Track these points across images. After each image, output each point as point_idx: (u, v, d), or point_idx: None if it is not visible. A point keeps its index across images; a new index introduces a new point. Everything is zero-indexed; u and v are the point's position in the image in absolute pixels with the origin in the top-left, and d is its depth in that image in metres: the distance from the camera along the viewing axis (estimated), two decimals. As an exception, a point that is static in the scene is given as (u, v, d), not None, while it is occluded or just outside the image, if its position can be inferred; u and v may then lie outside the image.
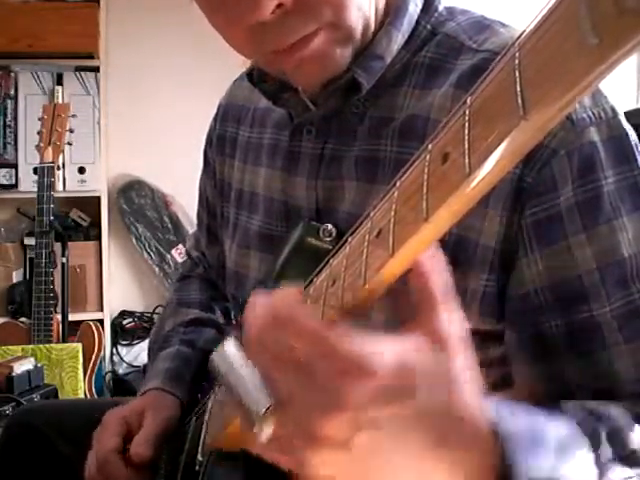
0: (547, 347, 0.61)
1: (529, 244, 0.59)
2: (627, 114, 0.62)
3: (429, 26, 0.69)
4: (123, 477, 0.76)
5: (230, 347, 0.44)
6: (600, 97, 0.60)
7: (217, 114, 0.92)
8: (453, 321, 0.38)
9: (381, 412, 0.36)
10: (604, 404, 0.54)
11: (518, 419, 0.42)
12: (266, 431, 0.38)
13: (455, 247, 0.61)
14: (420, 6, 0.69)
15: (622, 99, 2.42)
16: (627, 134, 0.60)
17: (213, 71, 2.37)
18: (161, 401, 0.83)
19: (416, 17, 0.68)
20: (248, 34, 0.60)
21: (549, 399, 0.63)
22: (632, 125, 0.61)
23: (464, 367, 0.39)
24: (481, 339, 0.64)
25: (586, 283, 0.58)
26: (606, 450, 0.49)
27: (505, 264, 0.60)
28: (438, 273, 0.38)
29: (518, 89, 0.25)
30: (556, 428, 0.46)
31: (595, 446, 0.48)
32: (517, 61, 0.25)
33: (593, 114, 0.59)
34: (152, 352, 0.96)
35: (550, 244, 0.59)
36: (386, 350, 0.36)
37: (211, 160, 0.92)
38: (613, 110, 0.60)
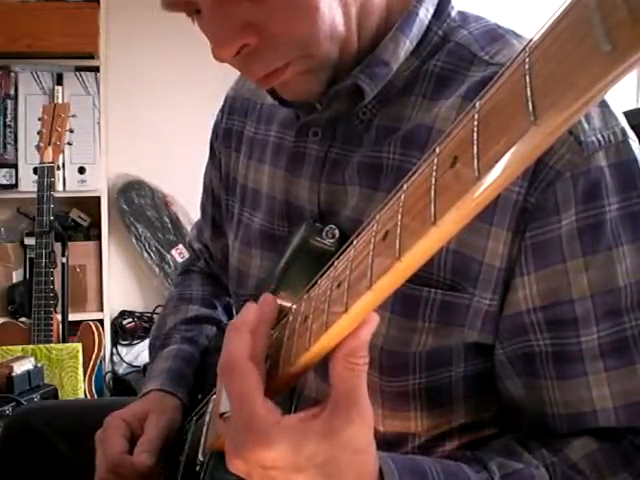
0: (532, 365, 0.61)
1: (526, 264, 0.59)
2: (627, 114, 0.61)
3: (441, 32, 0.67)
4: (137, 474, 0.75)
5: None
6: (611, 119, 0.58)
7: (224, 106, 0.91)
8: (362, 424, 0.45)
9: (274, 474, 0.46)
10: (529, 465, 0.58)
11: None
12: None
13: (458, 266, 0.61)
14: (432, 11, 0.66)
15: (622, 99, 2.42)
16: (635, 158, 0.58)
17: (213, 71, 2.36)
18: (163, 404, 0.82)
19: (427, 23, 0.66)
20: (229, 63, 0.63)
21: (527, 416, 0.64)
22: (632, 125, 0.61)
23: (359, 464, 0.46)
24: (477, 352, 0.64)
25: (578, 309, 0.58)
26: None
27: (507, 284, 0.60)
28: (362, 371, 0.45)
29: (529, 94, 0.25)
30: None
31: None
32: (527, 66, 0.25)
33: (602, 137, 0.57)
34: (153, 349, 0.95)
35: (547, 266, 0.58)
36: (290, 431, 0.45)
37: (217, 152, 0.91)
38: (623, 133, 0.58)
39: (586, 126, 0.57)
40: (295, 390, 0.71)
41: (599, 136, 0.57)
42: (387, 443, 0.71)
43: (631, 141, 0.59)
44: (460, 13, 0.69)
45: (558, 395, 0.61)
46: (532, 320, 0.60)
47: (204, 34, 0.63)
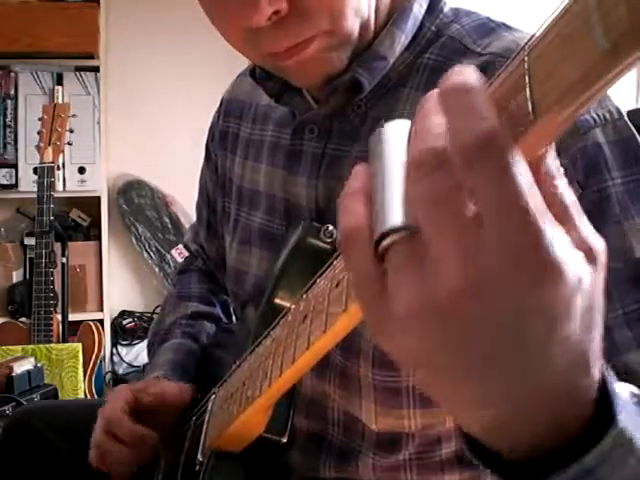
0: None
1: None
2: (627, 114, 0.62)
3: (434, 27, 0.68)
4: (132, 437, 0.76)
5: (400, 131, 0.32)
6: (604, 98, 0.59)
7: (219, 109, 0.92)
8: (595, 235, 0.31)
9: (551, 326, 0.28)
10: None
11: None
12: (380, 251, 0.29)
13: None
14: (425, 7, 0.68)
15: (622, 99, 2.42)
16: (634, 135, 0.59)
17: (213, 71, 2.37)
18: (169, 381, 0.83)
19: (421, 18, 0.68)
20: (245, 35, 0.61)
21: None
22: (632, 125, 0.61)
23: (602, 296, 0.30)
24: None
25: None
26: None
27: None
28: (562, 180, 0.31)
29: (528, 94, 0.25)
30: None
31: None
32: (526, 66, 0.25)
33: (597, 115, 0.58)
34: (153, 346, 0.95)
35: None
36: (574, 256, 0.28)
37: (213, 154, 0.92)
38: (619, 112, 0.59)
39: None
40: (294, 388, 0.71)
41: (593, 114, 0.58)
42: (382, 445, 0.71)
43: (626, 119, 0.59)
44: (452, 9, 0.70)
45: None
46: None
47: (219, 9, 0.62)
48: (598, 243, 0.30)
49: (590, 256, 0.29)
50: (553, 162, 0.30)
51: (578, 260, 0.28)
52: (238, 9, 0.57)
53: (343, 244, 0.31)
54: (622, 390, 0.33)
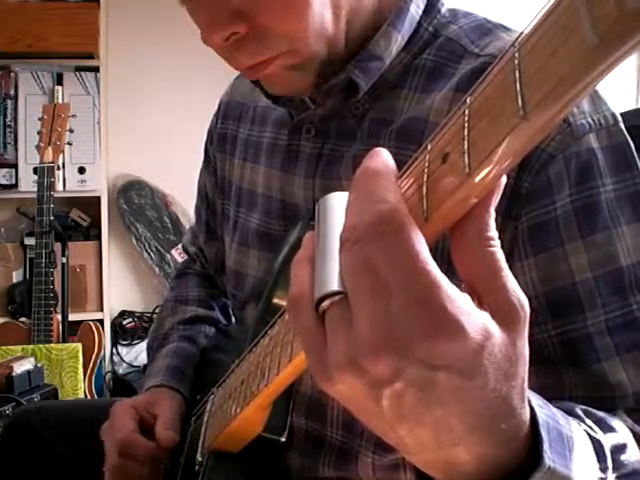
0: (541, 359, 0.60)
1: (524, 249, 0.59)
2: (627, 114, 0.62)
3: (431, 28, 0.68)
4: (149, 455, 0.75)
5: (340, 202, 0.36)
6: (601, 104, 0.59)
7: (218, 111, 0.92)
8: (518, 292, 0.32)
9: (440, 377, 0.30)
10: (608, 415, 0.53)
11: (547, 412, 0.37)
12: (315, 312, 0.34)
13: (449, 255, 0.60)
14: (422, 7, 0.68)
15: (622, 99, 2.42)
16: (628, 142, 0.59)
17: (213, 71, 2.37)
18: (169, 395, 0.83)
19: (418, 18, 0.67)
20: (216, 50, 0.62)
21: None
22: (632, 125, 0.61)
23: (525, 349, 0.33)
24: None
25: (581, 292, 0.58)
26: (609, 463, 0.45)
27: None
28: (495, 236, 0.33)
29: (518, 89, 0.25)
30: (578, 432, 0.41)
31: (600, 458, 0.44)
32: (517, 61, 0.25)
33: (593, 120, 0.58)
34: (151, 350, 0.95)
35: (545, 250, 0.58)
36: (477, 314, 0.31)
37: (212, 156, 0.92)
38: (614, 117, 0.59)
39: (575, 110, 0.58)
40: (292, 387, 0.71)
41: (589, 119, 0.58)
42: (382, 443, 0.70)
43: (621, 125, 0.59)
44: (450, 10, 0.70)
45: (576, 384, 0.59)
46: (535, 309, 0.59)
47: (192, 19, 0.63)
48: (521, 299, 0.32)
49: (511, 313, 0.32)
50: (488, 221, 0.33)
51: (482, 319, 0.31)
52: (202, 29, 0.59)
53: (289, 307, 0.35)
54: (560, 420, 0.37)
